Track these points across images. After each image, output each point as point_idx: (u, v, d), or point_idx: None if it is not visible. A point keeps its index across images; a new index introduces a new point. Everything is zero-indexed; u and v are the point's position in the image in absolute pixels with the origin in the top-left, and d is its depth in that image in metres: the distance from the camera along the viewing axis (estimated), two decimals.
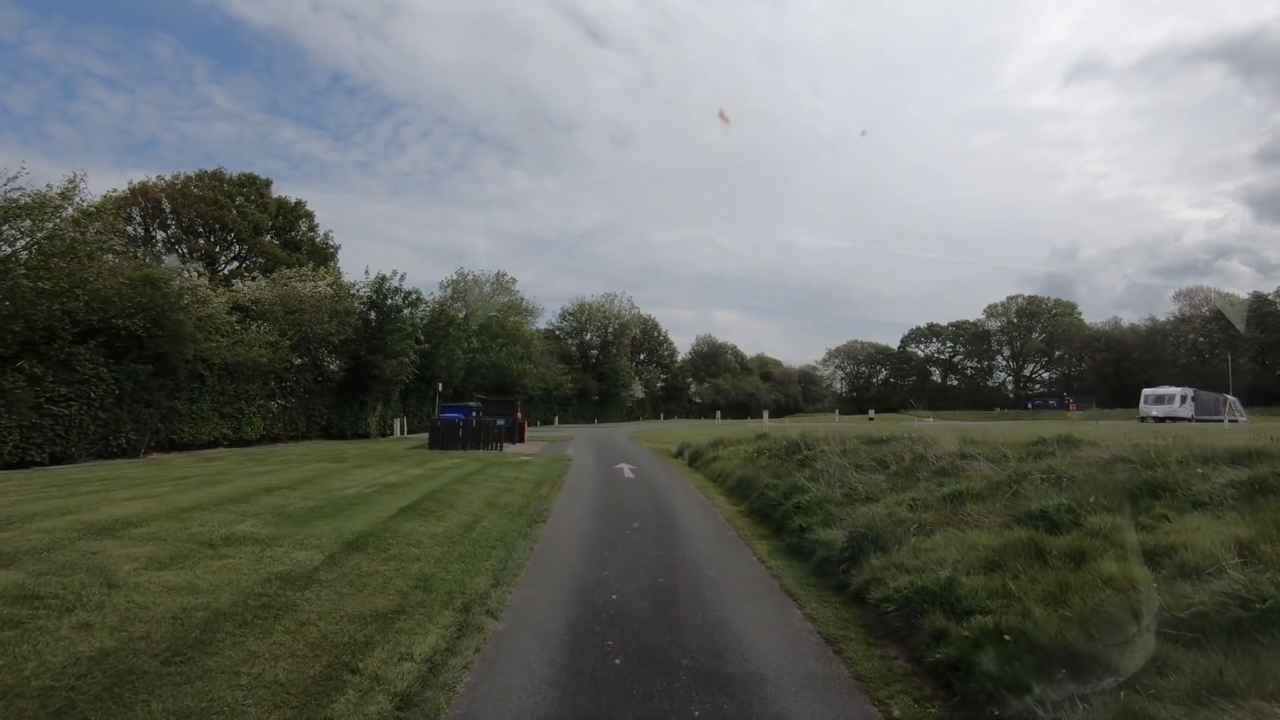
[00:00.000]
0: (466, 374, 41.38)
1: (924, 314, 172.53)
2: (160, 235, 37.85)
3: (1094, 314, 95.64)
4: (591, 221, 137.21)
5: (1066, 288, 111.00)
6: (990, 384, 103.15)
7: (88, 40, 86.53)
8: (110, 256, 17.28)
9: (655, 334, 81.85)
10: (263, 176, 40.41)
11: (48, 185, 14.89)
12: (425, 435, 25.49)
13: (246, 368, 21.87)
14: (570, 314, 68.85)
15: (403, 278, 30.32)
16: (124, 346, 16.79)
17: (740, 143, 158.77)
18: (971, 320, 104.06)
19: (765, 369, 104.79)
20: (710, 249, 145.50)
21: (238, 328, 22.72)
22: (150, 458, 17.61)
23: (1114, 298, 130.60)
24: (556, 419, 55.05)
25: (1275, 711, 2.65)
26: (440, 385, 33.96)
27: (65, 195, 15.26)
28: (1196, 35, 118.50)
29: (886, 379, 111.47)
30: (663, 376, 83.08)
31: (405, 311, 31.11)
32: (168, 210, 37.26)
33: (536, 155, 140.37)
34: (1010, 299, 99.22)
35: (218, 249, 38.48)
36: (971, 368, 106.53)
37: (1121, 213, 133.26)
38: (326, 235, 42.82)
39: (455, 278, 52.09)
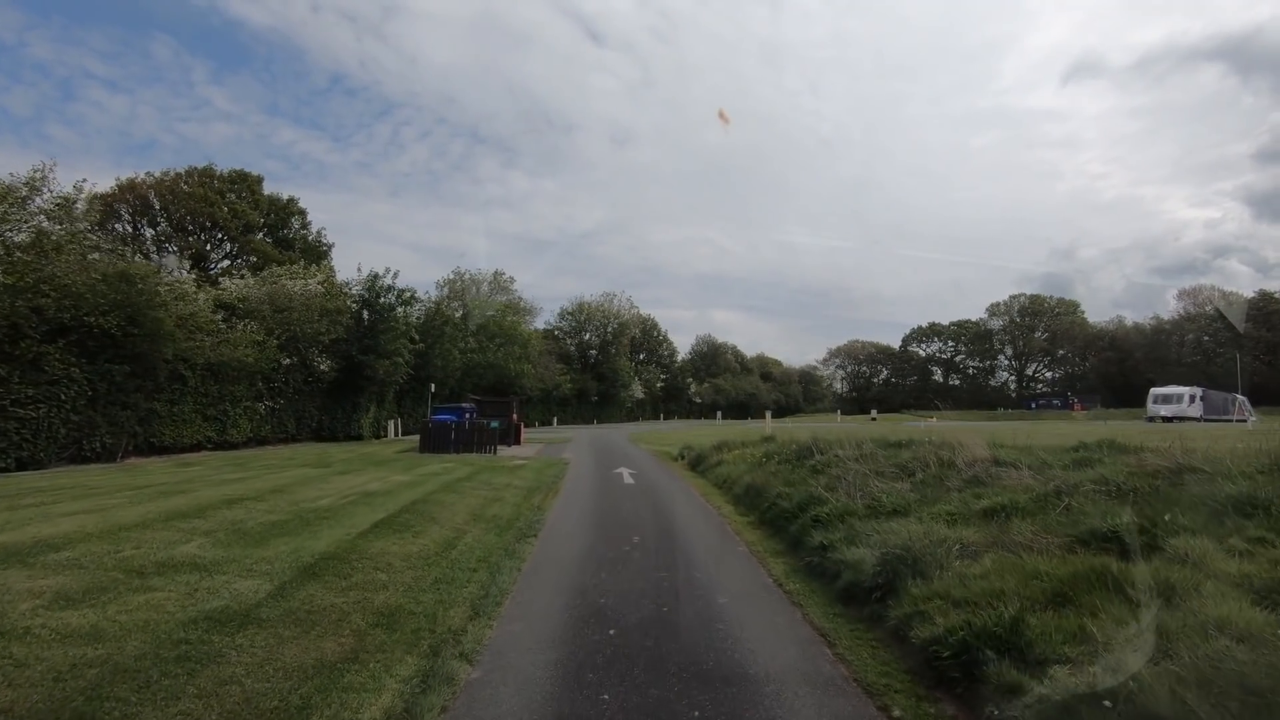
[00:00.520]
0: (463, 374, 40.56)
1: (923, 314, 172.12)
2: (150, 233, 37.07)
3: (1093, 313, 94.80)
4: (591, 222, 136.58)
5: (1065, 287, 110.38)
6: (992, 383, 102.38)
7: (87, 41, 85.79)
8: (96, 255, 16.51)
9: (655, 334, 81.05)
10: (254, 173, 39.56)
11: (11, 174, 14.08)
12: (419, 437, 24.67)
13: (231, 368, 21.05)
14: (569, 313, 68.06)
15: (396, 275, 29.50)
16: (98, 345, 15.97)
17: (740, 143, 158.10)
18: (974, 319, 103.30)
19: (765, 369, 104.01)
20: (710, 249, 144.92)
21: (223, 326, 21.92)
22: (127, 462, 16.80)
23: (1113, 297, 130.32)
24: (555, 420, 54.24)
25: None
26: (434, 386, 33.09)
27: (33, 186, 14.44)
28: (1194, 35, 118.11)
29: (888, 379, 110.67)
30: (662, 377, 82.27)
31: (399, 310, 30.29)
32: (157, 207, 36.44)
33: (536, 156, 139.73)
34: (1013, 298, 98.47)
35: (209, 247, 37.65)
36: (973, 367, 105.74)
37: (1120, 212, 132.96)
38: (319, 233, 42.03)
39: (452, 277, 51.31)
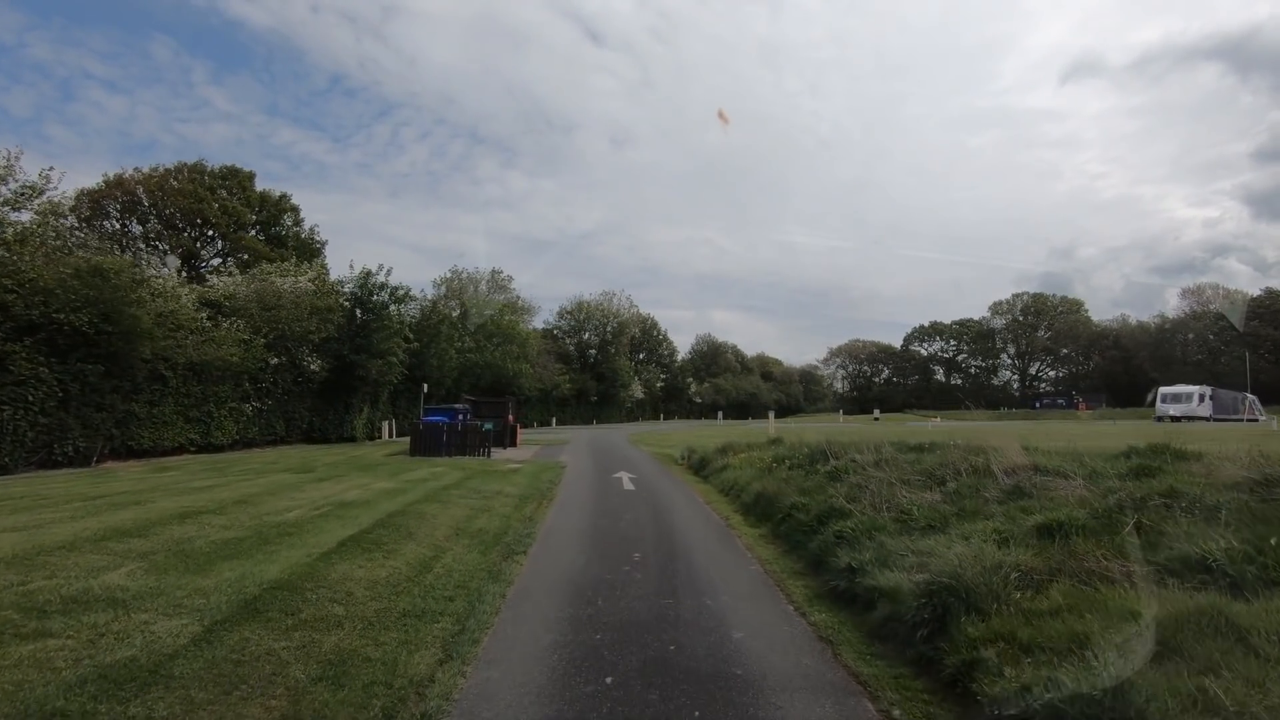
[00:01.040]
0: (460, 374, 39.73)
1: (923, 314, 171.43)
2: (139, 230, 36.22)
3: (1093, 312, 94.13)
4: (590, 222, 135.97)
5: (1064, 286, 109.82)
6: (995, 382, 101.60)
7: (86, 42, 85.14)
8: (59, 243, 15.68)
9: (654, 333, 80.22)
10: (246, 169, 38.70)
11: None
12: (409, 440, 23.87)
13: (215, 368, 20.22)
14: (568, 313, 67.24)
15: (389, 272, 28.62)
16: (69, 344, 15.15)
17: (739, 143, 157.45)
18: (976, 318, 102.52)
19: (766, 368, 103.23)
20: (709, 249, 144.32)
21: (208, 325, 21.11)
22: (102, 467, 15.99)
23: (1112, 296, 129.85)
24: (554, 420, 53.43)
25: None
26: (426, 386, 32.24)
27: None
28: (1192, 34, 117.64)
29: (889, 378, 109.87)
30: (662, 376, 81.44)
31: (392, 308, 29.44)
32: (146, 204, 35.59)
33: (535, 156, 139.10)
34: (1015, 296, 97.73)
35: (198, 244, 36.81)
36: (976, 366, 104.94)
37: (1119, 212, 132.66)
38: (312, 230, 41.18)
39: (449, 275, 50.52)
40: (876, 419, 60.31)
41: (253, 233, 38.22)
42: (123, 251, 28.08)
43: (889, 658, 4.35)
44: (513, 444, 23.78)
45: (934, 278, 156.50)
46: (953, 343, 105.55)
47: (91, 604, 4.25)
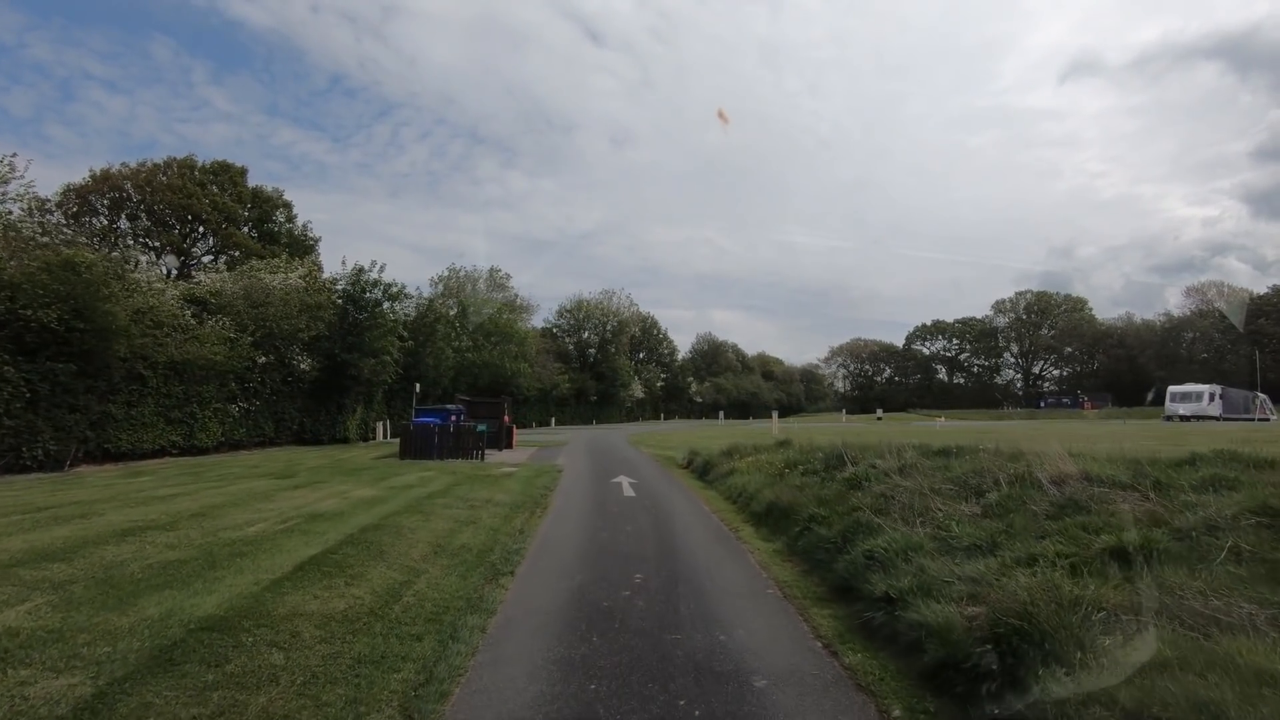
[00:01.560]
0: (457, 374, 38.94)
1: (923, 313, 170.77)
2: (127, 225, 35.40)
3: (1094, 311, 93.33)
4: (590, 222, 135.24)
5: (1064, 285, 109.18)
6: (998, 381, 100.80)
7: (86, 42, 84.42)
8: (14, 231, 14.84)
9: (655, 332, 79.42)
10: (237, 164, 37.89)
11: None
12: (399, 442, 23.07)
13: (199, 367, 19.42)
14: (567, 311, 66.47)
15: (382, 269, 27.78)
16: (37, 342, 14.35)
17: (739, 143, 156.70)
18: (979, 317, 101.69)
19: (767, 368, 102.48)
20: (709, 249, 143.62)
21: (192, 322, 20.32)
22: (75, 471, 15.21)
23: (1111, 295, 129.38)
24: (553, 420, 52.62)
25: None
26: (419, 386, 31.40)
27: None
28: (1191, 33, 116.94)
29: (890, 377, 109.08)
30: (663, 376, 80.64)
31: (386, 306, 28.63)
32: (135, 200, 34.77)
33: (535, 156, 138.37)
34: (1019, 294, 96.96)
35: (187, 242, 36.00)
36: (979, 365, 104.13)
37: (1119, 211, 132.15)
38: (305, 226, 40.37)
39: (446, 274, 49.72)
40: (879, 419, 59.52)
41: (245, 229, 37.41)
42: (111, 248, 27.21)
43: (949, 717, 3.55)
44: (508, 446, 23.00)
45: (934, 277, 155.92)
46: (955, 341, 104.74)
47: None
